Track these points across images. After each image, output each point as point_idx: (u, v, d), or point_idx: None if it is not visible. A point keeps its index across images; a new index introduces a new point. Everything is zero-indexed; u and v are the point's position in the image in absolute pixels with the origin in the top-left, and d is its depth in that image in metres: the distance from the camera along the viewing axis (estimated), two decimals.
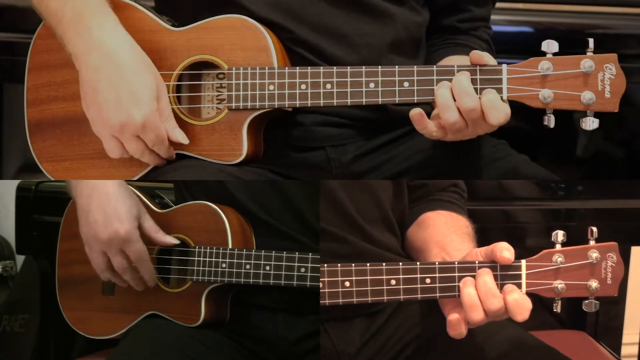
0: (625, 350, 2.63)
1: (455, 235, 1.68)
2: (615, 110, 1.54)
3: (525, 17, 2.40)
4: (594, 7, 2.41)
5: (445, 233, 1.69)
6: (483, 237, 1.71)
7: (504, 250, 1.45)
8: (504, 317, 1.46)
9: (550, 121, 1.57)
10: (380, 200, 1.69)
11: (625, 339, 2.56)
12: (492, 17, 1.95)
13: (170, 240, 1.73)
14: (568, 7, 2.41)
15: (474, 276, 1.47)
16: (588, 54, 1.54)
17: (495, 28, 1.95)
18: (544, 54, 1.56)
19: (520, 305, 1.43)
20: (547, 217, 2.28)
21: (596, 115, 1.55)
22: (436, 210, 1.77)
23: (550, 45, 1.55)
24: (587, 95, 1.53)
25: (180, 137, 1.66)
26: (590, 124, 1.55)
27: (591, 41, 1.54)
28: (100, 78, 1.60)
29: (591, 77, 1.53)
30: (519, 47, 2.32)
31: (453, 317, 1.46)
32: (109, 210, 1.66)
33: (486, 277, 1.46)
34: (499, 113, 1.53)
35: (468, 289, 1.45)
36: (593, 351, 2.26)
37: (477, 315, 1.44)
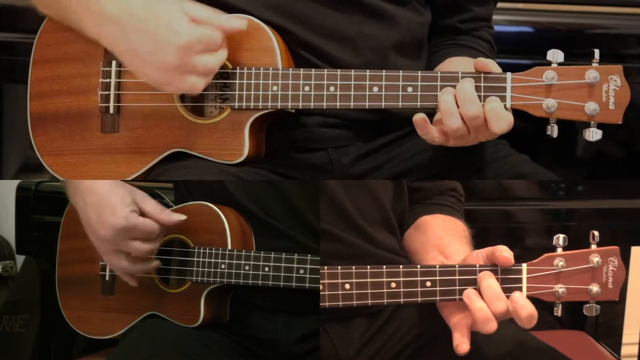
0: (625, 350, 2.63)
1: (454, 239, 1.69)
2: (619, 122, 1.54)
3: (525, 17, 2.40)
4: (594, 7, 2.41)
5: (443, 236, 1.69)
6: (483, 238, 1.71)
7: (504, 251, 1.46)
8: (508, 317, 1.47)
9: (553, 131, 1.56)
10: (381, 201, 1.69)
11: (625, 339, 2.57)
12: (493, 17, 1.95)
13: (178, 217, 1.70)
14: (568, 7, 2.41)
15: (474, 280, 1.47)
16: (593, 64, 1.54)
17: (495, 28, 1.95)
18: (549, 63, 1.55)
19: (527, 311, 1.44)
20: (547, 217, 2.29)
21: (599, 126, 1.55)
22: (434, 214, 1.77)
23: (555, 55, 1.55)
24: (591, 106, 1.53)
25: (237, 22, 1.61)
26: (593, 134, 1.55)
27: (597, 52, 1.53)
28: (132, 42, 1.57)
29: (596, 88, 1.53)
30: (519, 47, 2.33)
31: (464, 349, 1.48)
32: (102, 209, 1.65)
33: (490, 280, 1.46)
34: (501, 122, 1.53)
35: (478, 303, 1.45)
36: (593, 351, 2.26)
37: (492, 327, 1.45)
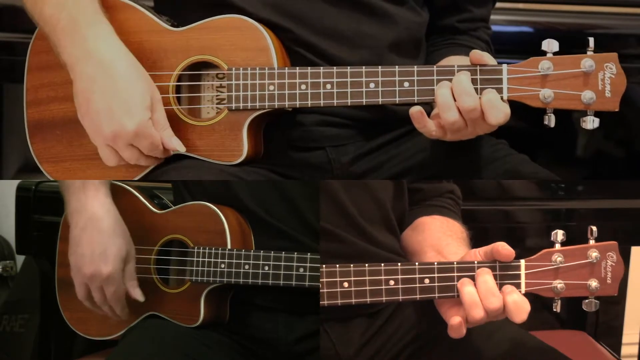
0: (625, 350, 2.63)
1: (452, 240, 1.69)
2: (616, 110, 1.54)
3: (525, 17, 2.40)
4: (594, 7, 2.41)
5: (440, 237, 1.69)
6: (483, 237, 1.70)
7: (504, 246, 1.46)
8: (502, 317, 1.47)
9: (550, 121, 1.57)
10: (381, 200, 1.69)
11: (625, 339, 2.56)
12: (492, 17, 1.95)
13: (138, 296, 1.73)
14: (568, 7, 2.41)
15: (472, 277, 1.47)
16: (588, 53, 1.54)
17: (495, 28, 1.95)
18: (544, 53, 1.55)
19: (519, 307, 1.44)
20: (547, 217, 2.28)
21: (596, 114, 1.55)
22: (432, 215, 1.77)
23: (550, 45, 1.55)
24: (587, 95, 1.53)
25: (177, 145, 1.66)
26: (590, 123, 1.55)
27: (591, 40, 1.54)
28: (94, 89, 1.60)
29: (591, 76, 1.53)
30: (519, 47, 2.32)
31: (455, 320, 1.47)
32: (97, 248, 1.67)
33: (486, 276, 1.46)
34: (498, 113, 1.53)
35: (468, 287, 1.46)
36: (593, 351, 2.26)
37: (478, 314, 1.44)
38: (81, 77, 1.62)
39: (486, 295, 1.45)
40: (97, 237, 1.68)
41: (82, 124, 1.64)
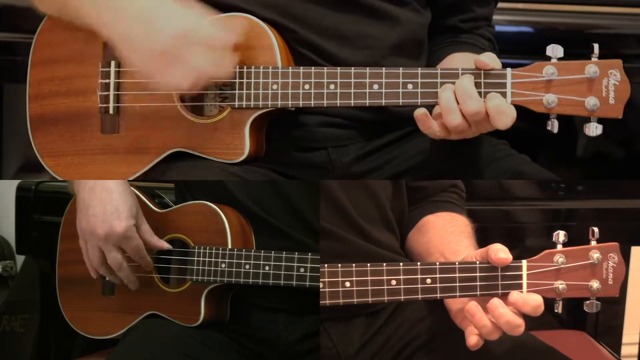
0: (625, 350, 2.63)
1: (453, 237, 1.68)
2: (619, 117, 1.54)
3: (525, 17, 2.40)
4: (594, 7, 2.41)
5: (443, 236, 1.69)
6: (483, 237, 1.71)
7: (499, 252, 1.45)
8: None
9: (553, 126, 1.57)
10: (380, 200, 1.69)
11: (625, 339, 2.57)
12: (493, 17, 1.95)
13: (164, 244, 1.73)
14: (568, 7, 2.41)
15: (474, 278, 1.47)
16: (593, 59, 1.54)
17: (495, 28, 1.95)
18: (548, 58, 1.55)
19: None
20: (547, 217, 2.29)
21: (599, 120, 1.55)
22: (435, 213, 1.77)
23: (555, 50, 1.55)
24: (591, 101, 1.53)
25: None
26: (594, 129, 1.55)
27: (596, 47, 1.54)
28: (128, 26, 1.59)
29: (595, 82, 1.53)
30: (519, 47, 2.33)
31: (472, 340, 1.49)
32: (109, 206, 1.66)
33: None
34: (506, 118, 1.53)
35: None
36: (593, 351, 2.26)
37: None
38: (111, 25, 1.61)
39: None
40: (106, 196, 1.67)
41: (137, 69, 1.62)
